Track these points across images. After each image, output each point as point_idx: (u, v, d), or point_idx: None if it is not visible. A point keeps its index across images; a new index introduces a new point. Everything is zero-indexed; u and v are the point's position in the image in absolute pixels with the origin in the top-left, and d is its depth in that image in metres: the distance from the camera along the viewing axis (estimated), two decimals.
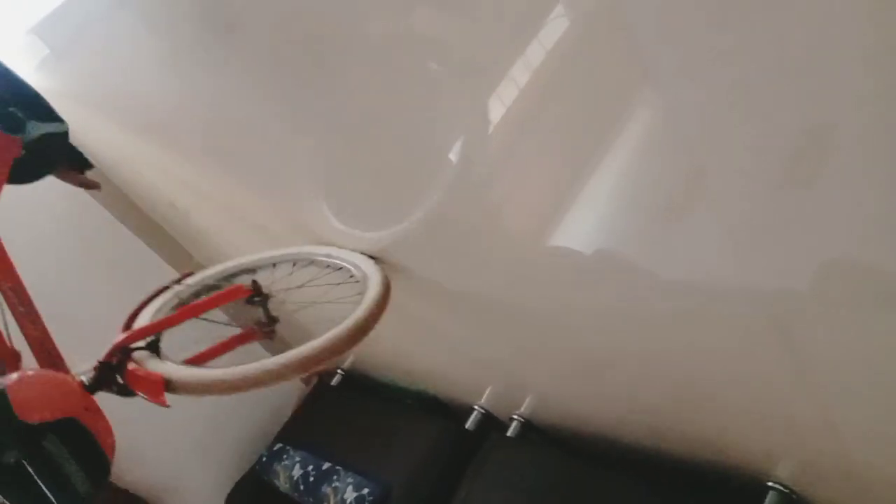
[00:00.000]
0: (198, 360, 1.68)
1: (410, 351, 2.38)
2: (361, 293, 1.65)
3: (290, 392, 3.05)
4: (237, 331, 1.77)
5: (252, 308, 1.76)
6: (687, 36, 0.87)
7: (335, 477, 2.37)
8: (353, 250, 1.86)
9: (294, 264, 1.92)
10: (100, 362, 1.50)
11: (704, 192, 1.04)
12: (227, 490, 2.79)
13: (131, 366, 1.49)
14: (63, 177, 1.78)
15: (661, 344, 1.42)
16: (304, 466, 2.47)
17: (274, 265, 1.95)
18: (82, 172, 1.83)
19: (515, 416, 2.25)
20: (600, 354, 1.62)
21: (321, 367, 1.43)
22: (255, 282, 1.71)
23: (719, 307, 1.21)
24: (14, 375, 1.28)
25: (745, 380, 1.35)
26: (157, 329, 1.61)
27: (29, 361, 1.51)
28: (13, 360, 1.48)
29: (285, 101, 1.52)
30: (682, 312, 1.28)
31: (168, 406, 1.41)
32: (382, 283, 1.66)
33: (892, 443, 1.27)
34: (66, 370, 1.51)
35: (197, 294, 1.81)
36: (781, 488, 1.62)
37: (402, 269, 1.78)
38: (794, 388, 1.29)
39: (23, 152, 1.64)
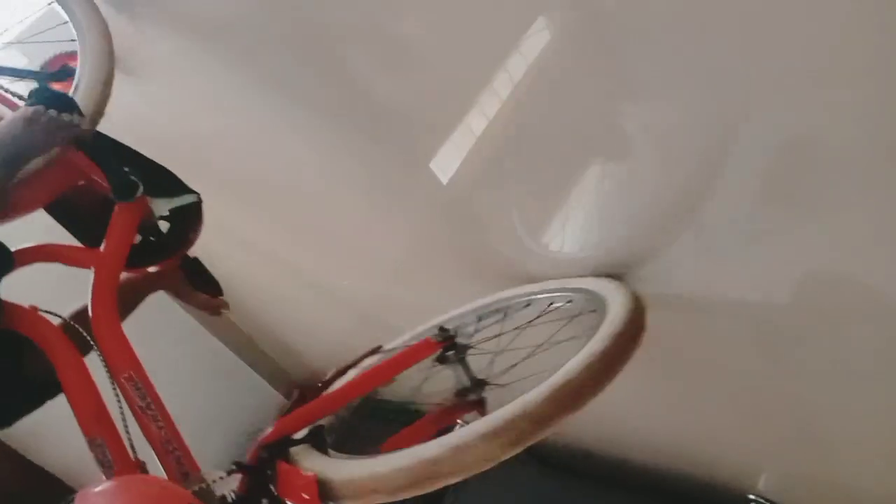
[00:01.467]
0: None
1: None
2: (596, 327, 1.07)
3: (271, 405, 2.84)
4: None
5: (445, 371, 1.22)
6: (670, 51, 0.89)
7: None
8: (585, 276, 1.29)
9: (504, 314, 1.37)
10: (239, 464, 1.03)
11: (689, 205, 1.07)
12: None
13: (283, 466, 1.01)
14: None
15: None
16: None
17: (479, 319, 1.41)
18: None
19: None
20: None
21: (543, 434, 0.84)
22: (443, 328, 1.18)
23: (704, 319, 1.20)
24: (100, 487, 0.83)
25: (729, 392, 1.34)
26: (315, 414, 1.13)
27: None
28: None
29: None
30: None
31: None
32: (628, 309, 1.06)
33: (878, 456, 1.25)
34: (202, 482, 1.05)
35: None
36: (764, 502, 1.56)
37: None
38: (777, 400, 1.28)
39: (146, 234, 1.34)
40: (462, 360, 1.19)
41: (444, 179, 1.38)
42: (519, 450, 0.79)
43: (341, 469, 0.91)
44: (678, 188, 1.08)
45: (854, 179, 0.87)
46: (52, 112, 1.10)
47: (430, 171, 1.37)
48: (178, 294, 1.42)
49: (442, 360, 1.19)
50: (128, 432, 1.10)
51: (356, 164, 1.53)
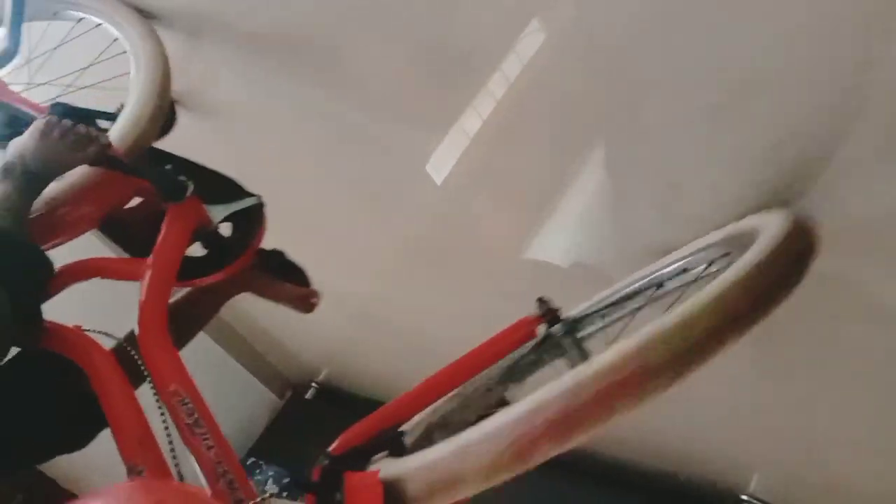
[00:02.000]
0: None
1: (389, 362, 2.18)
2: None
3: (263, 405, 2.77)
4: None
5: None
6: (657, 58, 0.94)
7: None
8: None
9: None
10: (302, 482, 0.81)
11: (676, 203, 1.08)
12: None
13: (351, 476, 0.78)
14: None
15: None
16: (277, 481, 2.36)
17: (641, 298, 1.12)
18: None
19: None
20: None
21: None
22: (541, 300, 0.93)
23: None
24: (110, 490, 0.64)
25: (720, 391, 1.24)
26: (386, 420, 0.91)
27: None
28: None
29: None
30: None
31: None
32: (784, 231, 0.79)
33: (870, 457, 1.25)
34: None
35: None
36: (755, 502, 1.53)
37: None
38: (770, 401, 1.28)
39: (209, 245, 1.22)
40: (575, 341, 0.93)
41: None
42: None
43: (414, 460, 0.67)
44: None
45: None
46: (67, 122, 1.03)
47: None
48: (261, 293, 1.30)
49: (547, 341, 0.93)
50: (174, 457, 0.91)
51: (351, 153, 1.49)
